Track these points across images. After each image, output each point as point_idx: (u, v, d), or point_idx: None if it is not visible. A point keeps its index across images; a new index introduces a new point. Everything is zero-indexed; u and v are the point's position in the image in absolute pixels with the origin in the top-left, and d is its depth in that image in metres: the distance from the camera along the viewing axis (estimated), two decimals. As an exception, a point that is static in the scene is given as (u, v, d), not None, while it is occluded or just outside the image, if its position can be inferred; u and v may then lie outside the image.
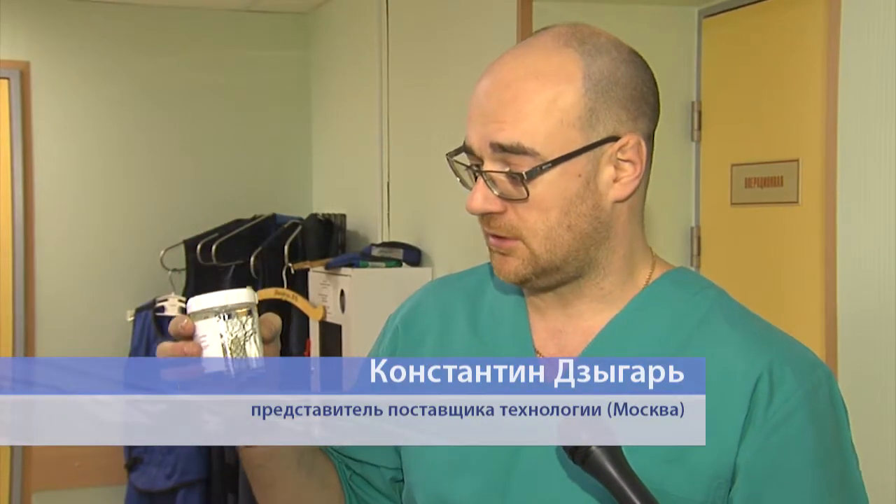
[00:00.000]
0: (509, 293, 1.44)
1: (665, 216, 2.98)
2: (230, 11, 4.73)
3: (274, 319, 1.30)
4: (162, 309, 4.45)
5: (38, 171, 4.51)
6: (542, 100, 1.26)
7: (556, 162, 1.26)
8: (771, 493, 1.26)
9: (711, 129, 2.98)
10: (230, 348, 1.23)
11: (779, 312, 2.57)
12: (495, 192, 1.29)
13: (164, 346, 1.26)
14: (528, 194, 1.27)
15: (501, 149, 1.27)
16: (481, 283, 1.49)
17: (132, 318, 4.50)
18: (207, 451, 4.26)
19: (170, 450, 4.32)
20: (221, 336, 1.23)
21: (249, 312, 1.25)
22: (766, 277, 2.75)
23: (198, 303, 1.25)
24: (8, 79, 4.48)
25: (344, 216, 4.24)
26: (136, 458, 4.39)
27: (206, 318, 1.24)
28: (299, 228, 4.19)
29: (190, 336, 1.25)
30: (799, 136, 2.62)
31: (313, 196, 4.82)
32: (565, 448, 1.18)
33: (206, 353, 1.24)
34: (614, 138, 1.29)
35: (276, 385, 1.33)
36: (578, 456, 1.17)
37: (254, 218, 4.45)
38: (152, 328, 4.44)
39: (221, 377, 1.24)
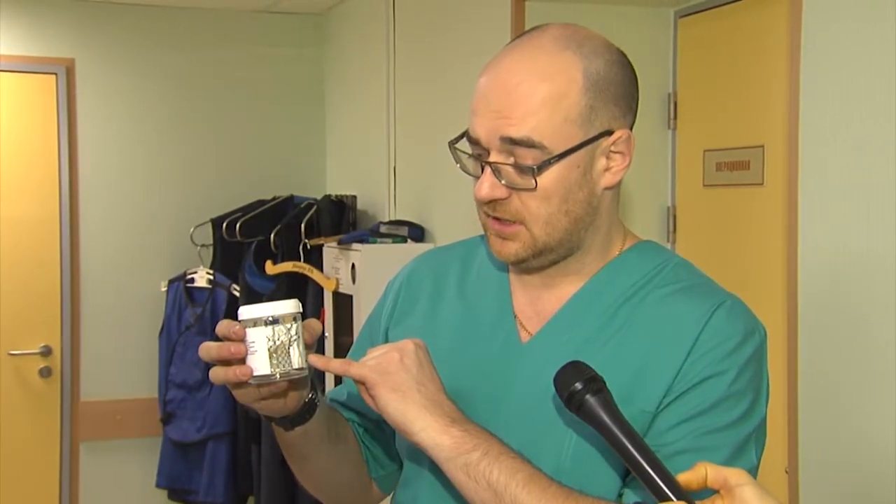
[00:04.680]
0: (495, 262, 1.45)
1: (644, 197, 2.97)
2: (252, 13, 4.71)
3: (315, 325, 1.29)
4: (192, 280, 4.44)
5: (82, 158, 4.49)
6: (549, 99, 1.26)
7: (561, 156, 1.26)
8: (675, 408, 1.26)
9: (686, 118, 2.96)
10: (276, 352, 1.22)
11: (745, 283, 2.56)
12: (501, 181, 1.28)
13: (209, 346, 1.25)
14: (536, 185, 1.26)
15: (511, 142, 1.26)
16: (472, 252, 1.50)
17: (165, 288, 4.49)
18: (234, 406, 4.26)
19: (200, 406, 4.32)
20: (268, 340, 1.22)
21: (294, 320, 1.24)
22: (734, 252, 2.74)
23: (248, 311, 1.24)
24: (55, 74, 4.46)
25: (355, 197, 4.22)
26: (169, 413, 4.39)
27: (256, 325, 1.23)
28: (315, 208, 4.17)
29: (238, 339, 1.23)
30: (764, 125, 2.61)
31: (327, 179, 4.81)
32: (561, 397, 1.18)
33: (253, 357, 1.23)
34: (609, 132, 1.30)
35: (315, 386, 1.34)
36: (574, 405, 1.18)
37: (273, 198, 4.44)
38: (183, 297, 4.43)
39: (266, 379, 1.24)
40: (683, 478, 1.08)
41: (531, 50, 1.29)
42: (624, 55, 1.34)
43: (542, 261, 1.34)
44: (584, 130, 1.27)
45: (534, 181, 1.26)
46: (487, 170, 1.28)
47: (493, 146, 1.28)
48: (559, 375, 1.19)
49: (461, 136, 1.34)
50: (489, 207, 1.31)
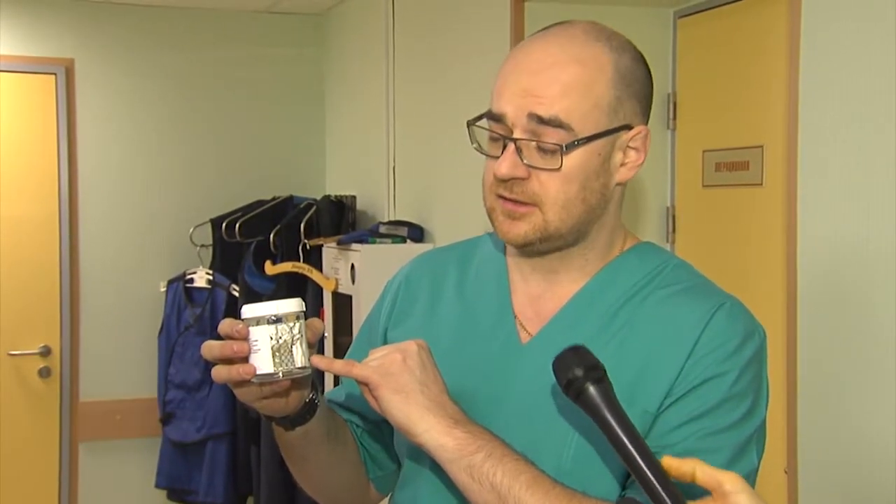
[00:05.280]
0: (494, 262, 1.45)
1: (644, 197, 2.97)
2: (252, 13, 4.71)
3: (318, 324, 1.29)
4: (191, 280, 4.44)
5: (81, 158, 4.49)
6: (582, 83, 1.26)
7: (588, 139, 1.26)
8: (677, 410, 1.26)
9: (685, 119, 2.96)
10: (278, 351, 1.22)
11: (744, 283, 2.56)
12: (523, 161, 1.27)
13: (212, 344, 1.25)
14: (562, 165, 1.25)
15: (539, 120, 1.25)
16: (470, 253, 1.49)
17: (165, 289, 4.49)
18: (233, 406, 4.26)
19: (199, 406, 4.32)
20: (271, 339, 1.22)
21: (297, 318, 1.24)
22: (733, 252, 2.74)
23: (251, 310, 1.24)
24: (55, 74, 4.46)
25: (354, 197, 4.22)
26: (169, 413, 4.39)
27: (259, 324, 1.22)
28: (314, 208, 4.17)
29: (241, 337, 1.23)
30: (763, 125, 2.60)
31: (327, 179, 4.80)
32: (561, 383, 1.16)
33: (256, 356, 1.23)
34: (629, 127, 1.30)
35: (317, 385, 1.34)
36: (573, 392, 1.15)
37: (273, 199, 4.44)
38: (182, 297, 4.43)
39: (269, 378, 1.23)
40: (668, 461, 1.07)
41: (564, 37, 1.30)
42: (642, 54, 1.35)
43: (548, 246, 1.33)
44: (609, 120, 1.28)
45: (560, 161, 1.26)
46: (510, 147, 1.28)
47: (518, 124, 1.27)
48: (559, 360, 1.16)
49: (481, 117, 1.34)
50: (504, 188, 1.30)
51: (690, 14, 2.93)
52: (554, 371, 1.17)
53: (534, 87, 1.26)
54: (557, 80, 1.26)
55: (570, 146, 1.25)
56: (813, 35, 2.16)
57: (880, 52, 1.99)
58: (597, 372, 1.15)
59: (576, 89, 1.26)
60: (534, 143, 1.27)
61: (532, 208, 1.29)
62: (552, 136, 1.26)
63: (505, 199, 1.30)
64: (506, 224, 1.32)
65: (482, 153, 1.34)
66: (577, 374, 1.14)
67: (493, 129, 1.31)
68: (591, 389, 1.13)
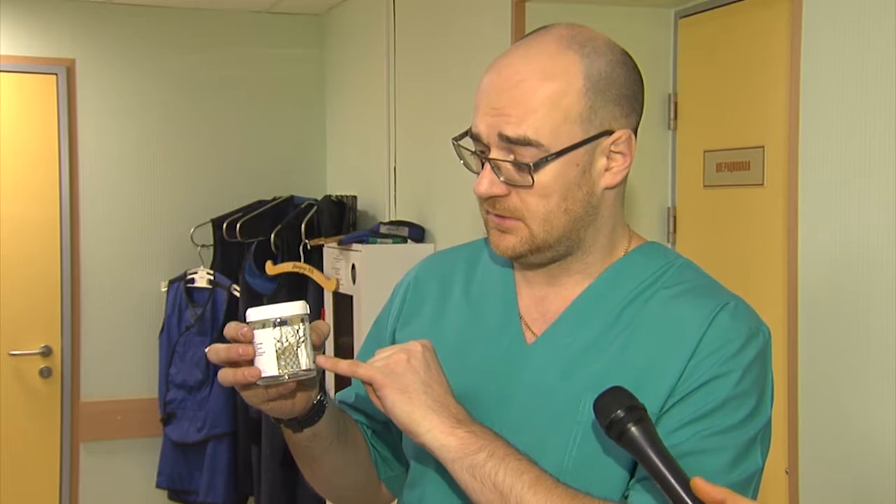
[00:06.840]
0: (500, 264, 1.46)
1: (645, 198, 2.96)
2: (253, 13, 4.71)
3: (323, 326, 1.29)
4: (192, 280, 4.44)
5: (82, 158, 4.49)
6: (549, 98, 1.26)
7: (559, 154, 1.27)
8: (680, 410, 1.26)
9: (686, 119, 2.96)
10: (283, 354, 1.23)
11: (745, 284, 2.55)
12: (500, 178, 1.28)
13: (218, 348, 1.25)
14: (533, 182, 1.26)
15: (508, 140, 1.26)
16: (476, 255, 1.50)
17: (166, 289, 4.49)
18: (234, 407, 4.26)
19: (200, 406, 4.32)
20: (276, 342, 1.22)
21: (302, 321, 1.24)
22: (734, 253, 2.74)
23: (256, 313, 1.24)
24: (56, 74, 4.46)
25: (355, 197, 4.22)
26: (170, 413, 4.39)
27: (264, 327, 1.23)
28: (315, 208, 4.17)
29: (247, 341, 1.24)
30: (764, 125, 2.60)
31: (327, 179, 4.81)
32: (601, 423, 1.17)
33: (261, 358, 1.23)
34: (609, 132, 1.30)
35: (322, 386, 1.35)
36: (614, 432, 1.16)
37: (274, 199, 4.44)
38: (183, 297, 4.43)
39: (274, 380, 1.24)
40: (698, 483, 1.08)
41: (534, 49, 1.30)
42: (628, 56, 1.34)
43: (540, 257, 1.34)
44: (584, 129, 1.28)
45: (531, 178, 1.27)
46: (487, 166, 1.29)
47: (492, 143, 1.28)
48: (599, 401, 1.18)
49: (465, 134, 1.35)
50: (488, 204, 1.32)
51: (691, 14, 2.93)
52: (595, 412, 1.19)
53: (502, 106, 1.27)
54: (524, 97, 1.26)
55: (540, 163, 1.26)
56: (814, 35, 2.16)
57: (881, 52, 1.99)
58: (637, 412, 1.16)
59: (544, 105, 1.25)
60: (509, 161, 1.27)
61: (517, 222, 1.31)
62: (523, 154, 1.26)
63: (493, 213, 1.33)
64: (496, 237, 1.34)
65: (469, 169, 1.36)
66: (619, 415, 1.16)
67: (475, 147, 1.32)
68: (634, 430, 1.15)
